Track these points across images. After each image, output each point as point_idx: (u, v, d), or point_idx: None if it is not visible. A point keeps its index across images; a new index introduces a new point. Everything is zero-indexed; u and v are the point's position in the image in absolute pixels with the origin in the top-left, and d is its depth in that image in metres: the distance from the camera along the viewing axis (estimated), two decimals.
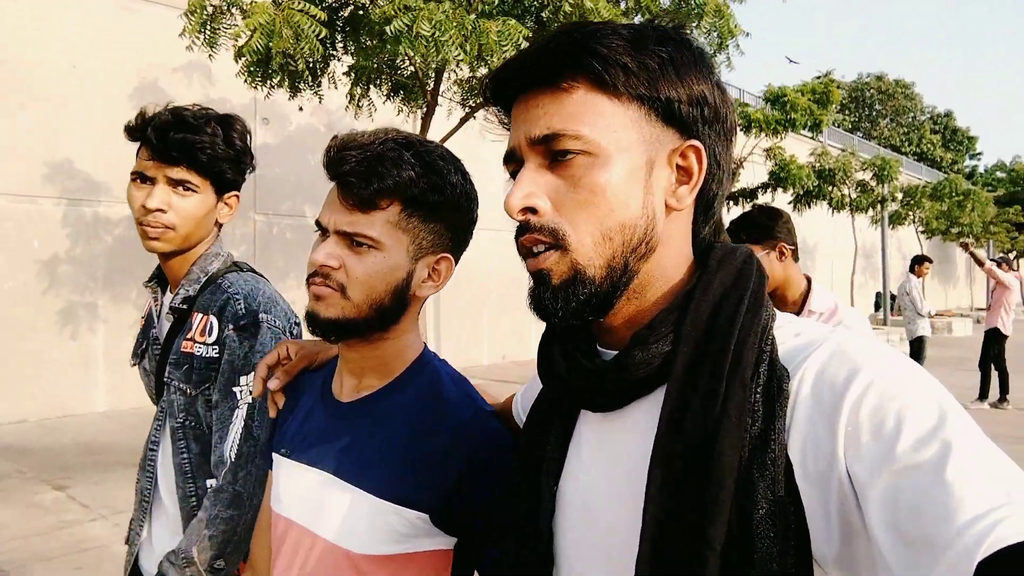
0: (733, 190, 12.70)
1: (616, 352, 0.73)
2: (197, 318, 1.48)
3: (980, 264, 8.61)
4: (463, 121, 7.32)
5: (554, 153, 0.70)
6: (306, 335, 1.16)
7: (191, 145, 1.43)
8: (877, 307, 22.77)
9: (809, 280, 2.56)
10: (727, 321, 0.67)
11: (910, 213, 21.14)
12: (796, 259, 2.57)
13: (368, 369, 1.08)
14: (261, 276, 1.59)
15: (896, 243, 22.75)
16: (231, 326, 1.44)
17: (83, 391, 8.43)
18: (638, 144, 0.71)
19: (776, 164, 12.36)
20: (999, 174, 45.44)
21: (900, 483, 0.53)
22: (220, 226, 1.58)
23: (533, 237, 0.70)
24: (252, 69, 6.06)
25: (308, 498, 1.05)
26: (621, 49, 0.69)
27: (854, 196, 16.83)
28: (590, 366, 0.74)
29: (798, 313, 2.45)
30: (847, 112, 43.80)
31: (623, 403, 0.72)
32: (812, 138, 13.09)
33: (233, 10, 5.91)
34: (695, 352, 0.67)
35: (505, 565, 0.80)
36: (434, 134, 6.93)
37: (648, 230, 0.71)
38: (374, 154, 0.98)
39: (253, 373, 1.41)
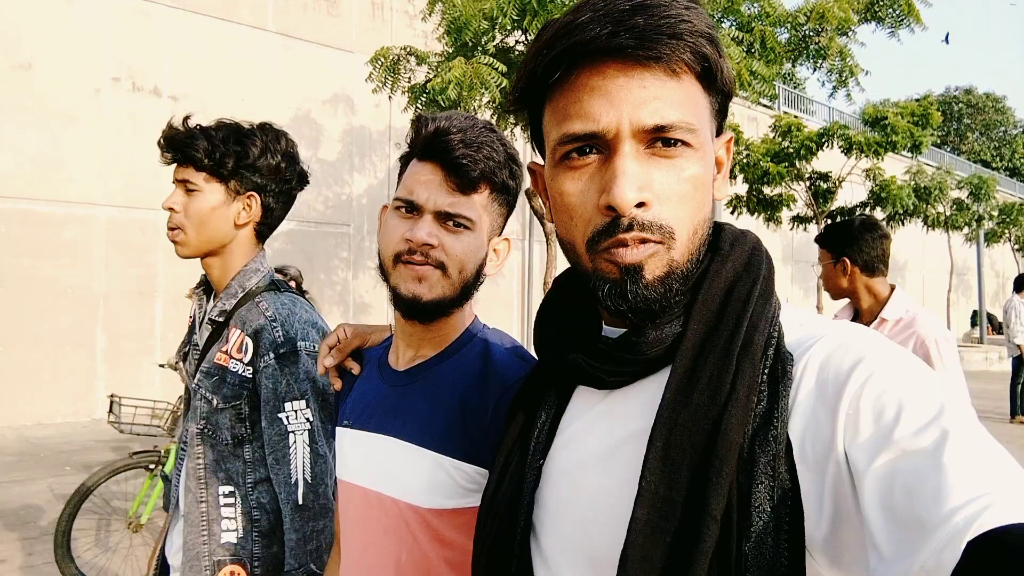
0: (832, 208, 13.10)
1: (622, 330, 0.74)
2: (234, 333, 1.52)
3: None
4: None
5: (656, 139, 0.66)
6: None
7: (184, 145, 1.51)
8: (973, 324, 22.48)
9: (893, 289, 2.78)
10: (740, 304, 0.68)
11: (1006, 231, 20.85)
12: (872, 272, 2.79)
13: (426, 341, 1.12)
14: (299, 296, 1.62)
15: (989, 261, 22.37)
16: (271, 355, 1.47)
17: None
18: (710, 137, 0.71)
19: (876, 184, 12.67)
20: None
21: (896, 465, 0.54)
22: (262, 239, 1.63)
23: (640, 236, 0.66)
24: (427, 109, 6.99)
25: (373, 462, 1.08)
26: (707, 36, 0.66)
27: (949, 214, 16.85)
28: (600, 344, 0.74)
29: (869, 322, 2.73)
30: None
31: (629, 380, 0.72)
32: (909, 156, 13.33)
33: (410, 58, 6.85)
34: (706, 331, 0.67)
35: (487, 533, 0.79)
36: None
37: (708, 221, 0.71)
38: (478, 140, 1.03)
39: (305, 399, 1.47)
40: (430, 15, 6.52)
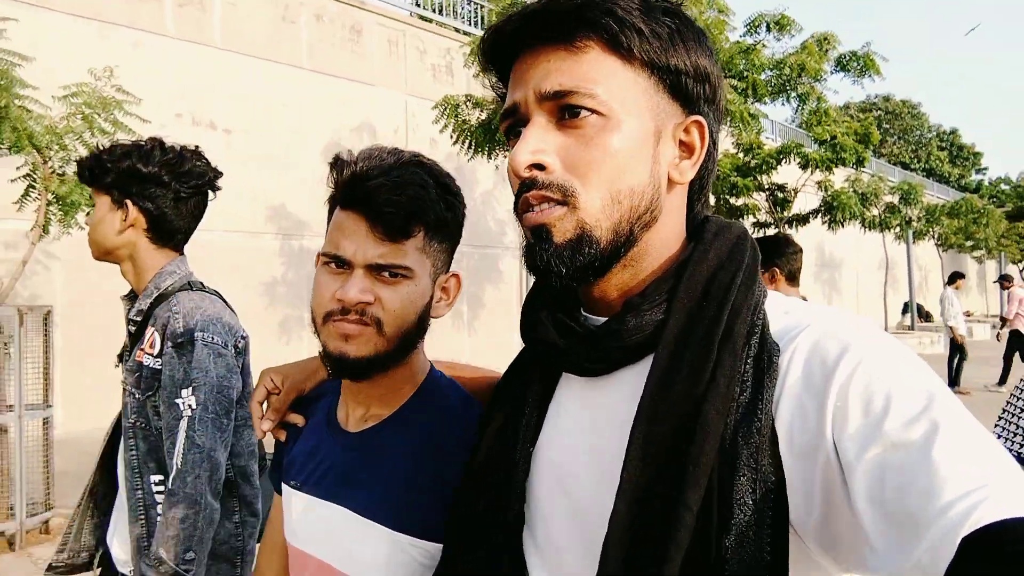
0: (788, 215, 14.88)
1: (605, 318, 0.74)
2: (149, 331, 1.62)
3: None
4: None
5: (564, 110, 0.69)
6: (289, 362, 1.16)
7: (83, 168, 1.69)
8: (903, 313, 24.86)
9: (804, 300, 3.76)
10: (721, 292, 0.67)
11: (930, 229, 23.29)
12: (793, 281, 3.15)
13: (375, 398, 1.04)
14: (214, 294, 1.71)
15: (914, 257, 24.81)
16: (170, 344, 1.57)
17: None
18: (647, 112, 0.70)
19: (828, 195, 14.52)
20: (1004, 187, 47.57)
21: (886, 460, 0.54)
22: (164, 244, 1.72)
23: (540, 194, 0.69)
24: (480, 144, 8.32)
25: (325, 533, 1.02)
26: (636, 13, 0.68)
27: (883, 216, 18.96)
28: (580, 331, 0.74)
29: None
30: None
31: (611, 369, 0.72)
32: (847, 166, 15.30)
33: (468, 103, 8.18)
34: (687, 320, 0.67)
35: (478, 522, 0.78)
36: None
37: (654, 199, 0.71)
38: (402, 180, 0.94)
39: (192, 386, 1.53)
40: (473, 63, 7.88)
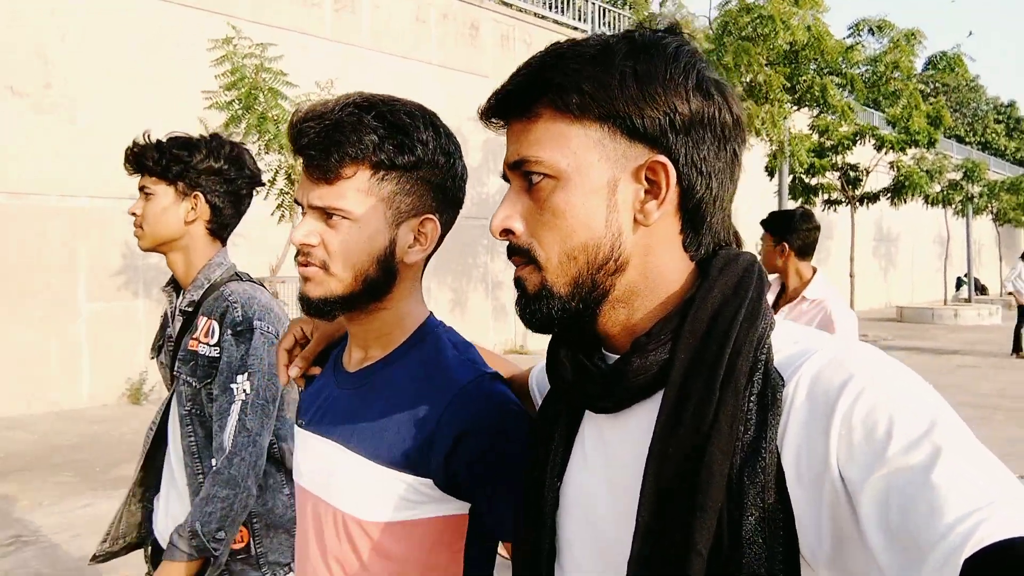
0: (859, 193, 15.94)
1: (618, 356, 0.75)
2: (202, 321, 1.70)
3: None
4: None
5: (527, 177, 0.74)
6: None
7: (140, 156, 1.72)
8: (957, 288, 25.64)
9: (815, 271, 3.24)
10: (723, 330, 0.68)
11: (988, 205, 23.99)
12: (803, 256, 3.23)
13: (371, 340, 1.07)
14: (260, 285, 1.81)
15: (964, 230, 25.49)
16: (229, 332, 1.64)
17: None
18: (600, 164, 0.71)
19: (901, 174, 15.55)
20: None
21: (890, 485, 0.54)
22: (218, 239, 1.79)
23: (515, 257, 0.76)
24: None
25: (321, 468, 1.06)
26: (578, 73, 0.70)
27: (946, 193, 19.82)
28: (593, 369, 0.75)
29: (793, 298, 3.18)
30: None
31: (623, 406, 0.73)
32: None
33: None
34: (691, 360, 0.67)
35: (523, 551, 0.82)
36: None
37: (614, 247, 0.72)
38: (332, 122, 0.94)
39: (248, 372, 1.62)
40: None
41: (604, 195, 0.72)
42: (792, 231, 3.22)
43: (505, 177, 0.79)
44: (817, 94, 9.31)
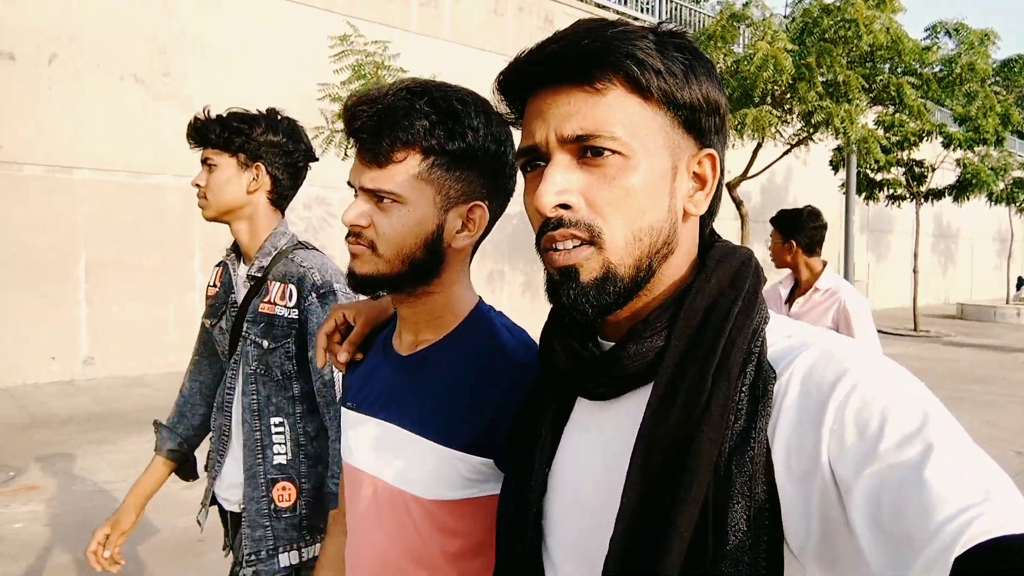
0: (923, 189, 15.91)
1: (612, 343, 0.75)
2: (275, 286, 1.75)
3: None
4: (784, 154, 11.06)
5: (585, 150, 0.70)
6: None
7: (202, 129, 1.78)
8: (1018, 287, 25.24)
9: (824, 264, 3.40)
10: (719, 321, 0.69)
11: None
12: (811, 252, 3.40)
13: (422, 324, 1.08)
14: (323, 253, 1.86)
15: None
16: (313, 295, 1.71)
17: None
18: (664, 149, 0.72)
19: (968, 172, 15.49)
20: None
21: (882, 481, 0.54)
22: (277, 208, 1.86)
23: (568, 232, 0.70)
24: None
25: (376, 449, 1.07)
26: (653, 52, 0.70)
27: (1011, 190, 19.60)
28: (587, 356, 0.76)
29: (806, 291, 3.35)
30: None
31: (616, 393, 0.74)
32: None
33: None
34: (686, 348, 0.68)
35: (508, 536, 0.82)
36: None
37: (670, 233, 0.73)
38: (384, 107, 0.96)
39: None
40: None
41: (668, 180, 0.73)
42: (799, 229, 3.39)
43: (531, 151, 0.74)
44: (894, 93, 9.50)
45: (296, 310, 1.73)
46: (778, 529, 0.60)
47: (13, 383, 8.19)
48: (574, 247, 0.70)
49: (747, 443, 0.62)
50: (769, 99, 9.32)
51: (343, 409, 1.17)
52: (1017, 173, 19.45)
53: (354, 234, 1.00)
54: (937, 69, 10.25)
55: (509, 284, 12.89)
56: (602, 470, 0.74)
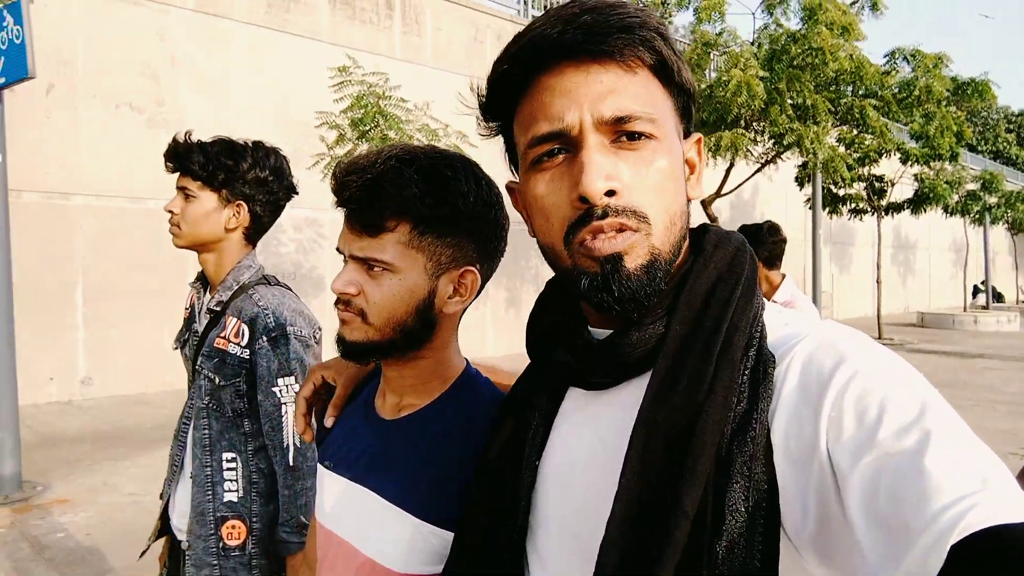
0: (884, 203, 16.68)
1: (608, 332, 0.74)
2: (231, 321, 1.73)
3: None
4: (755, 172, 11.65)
5: (621, 134, 0.68)
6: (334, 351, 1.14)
7: (183, 157, 1.72)
8: (974, 295, 26.32)
9: (783, 277, 3.54)
10: (721, 305, 0.68)
11: (1004, 214, 24.70)
12: (771, 265, 3.52)
13: (407, 387, 1.06)
14: (288, 289, 1.83)
15: (980, 239, 26.17)
16: (264, 338, 1.68)
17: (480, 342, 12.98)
18: (676, 134, 0.72)
19: (925, 186, 16.29)
20: None
21: (880, 469, 0.54)
22: (250, 243, 1.81)
23: (616, 222, 0.67)
24: None
25: (351, 513, 1.05)
26: (666, 39, 0.68)
27: (965, 203, 20.55)
28: (584, 344, 0.75)
29: None
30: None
31: (614, 382, 0.73)
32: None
33: None
34: (688, 332, 0.67)
35: (484, 531, 0.80)
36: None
37: (687, 216, 0.73)
38: (374, 176, 0.95)
39: (293, 375, 1.68)
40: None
41: (682, 164, 0.73)
42: (760, 244, 3.49)
43: (556, 137, 0.69)
44: (857, 115, 10.13)
45: (248, 350, 1.70)
46: (775, 512, 0.60)
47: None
48: (620, 233, 0.67)
49: (749, 424, 0.62)
50: (742, 122, 9.87)
51: (319, 467, 1.14)
52: (970, 186, 20.46)
53: (343, 301, 0.99)
54: (896, 91, 10.91)
55: (493, 300, 13.23)
56: (594, 456, 0.73)
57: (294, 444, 1.66)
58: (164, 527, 1.86)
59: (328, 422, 1.16)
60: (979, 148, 45.27)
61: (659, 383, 0.66)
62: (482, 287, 1.05)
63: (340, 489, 1.08)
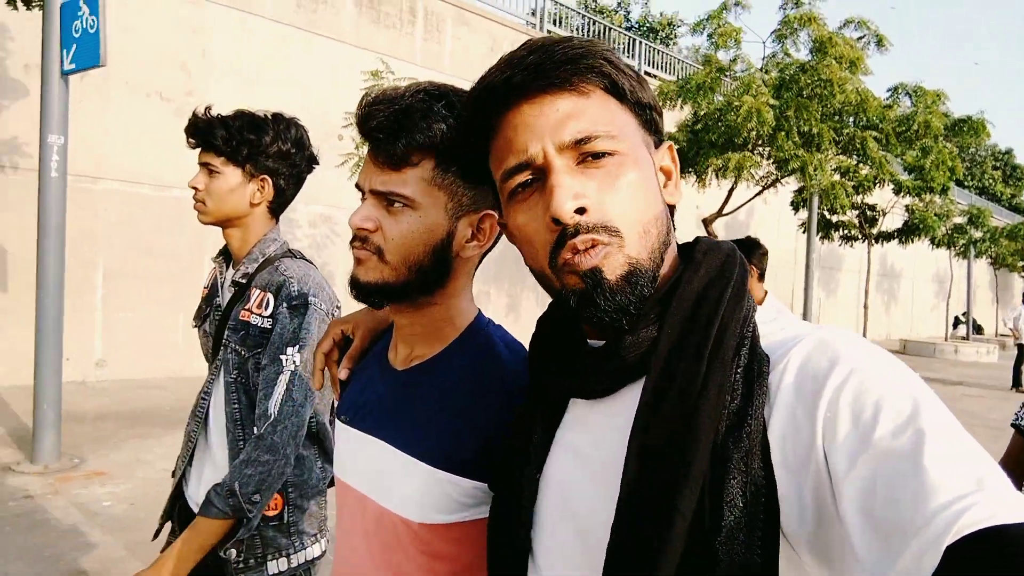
0: (875, 231, 17.21)
1: (603, 342, 0.76)
2: (255, 293, 1.70)
3: None
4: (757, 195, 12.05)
5: (585, 155, 0.71)
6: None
7: (205, 132, 1.69)
8: (955, 326, 26.91)
9: (766, 293, 3.61)
10: (711, 308, 0.69)
11: (989, 248, 25.38)
12: (759, 279, 3.61)
13: (419, 336, 1.05)
14: (311, 263, 1.79)
15: (965, 273, 26.83)
16: (285, 304, 1.65)
17: None
18: (642, 146, 0.75)
19: (916, 217, 16.85)
20: None
21: (876, 470, 0.54)
22: (275, 215, 1.80)
23: (589, 238, 0.69)
24: None
25: (365, 465, 1.04)
26: (618, 61, 0.74)
27: (951, 235, 21.14)
28: (582, 353, 0.77)
29: None
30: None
31: (611, 389, 0.74)
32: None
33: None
34: (679, 334, 0.69)
35: (494, 548, 0.81)
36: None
37: (667, 224, 0.75)
38: (402, 107, 0.93)
39: (299, 345, 1.62)
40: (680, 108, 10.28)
41: (653, 174, 0.75)
42: (756, 257, 3.57)
43: (523, 167, 0.73)
44: (859, 145, 10.56)
45: (270, 319, 1.68)
46: (774, 508, 0.60)
47: (30, 382, 8.44)
48: (595, 248, 0.70)
49: (744, 420, 0.62)
50: (750, 145, 10.28)
51: (337, 422, 1.13)
52: (957, 219, 21.06)
53: (360, 239, 0.97)
54: (895, 124, 11.39)
55: (494, 305, 13.54)
56: (597, 469, 0.73)
57: (270, 414, 1.60)
58: (170, 509, 1.83)
59: (343, 374, 1.15)
60: (966, 183, 46.17)
61: (653, 386, 0.67)
62: (500, 235, 1.02)
63: (356, 442, 1.07)
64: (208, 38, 9.77)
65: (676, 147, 0.85)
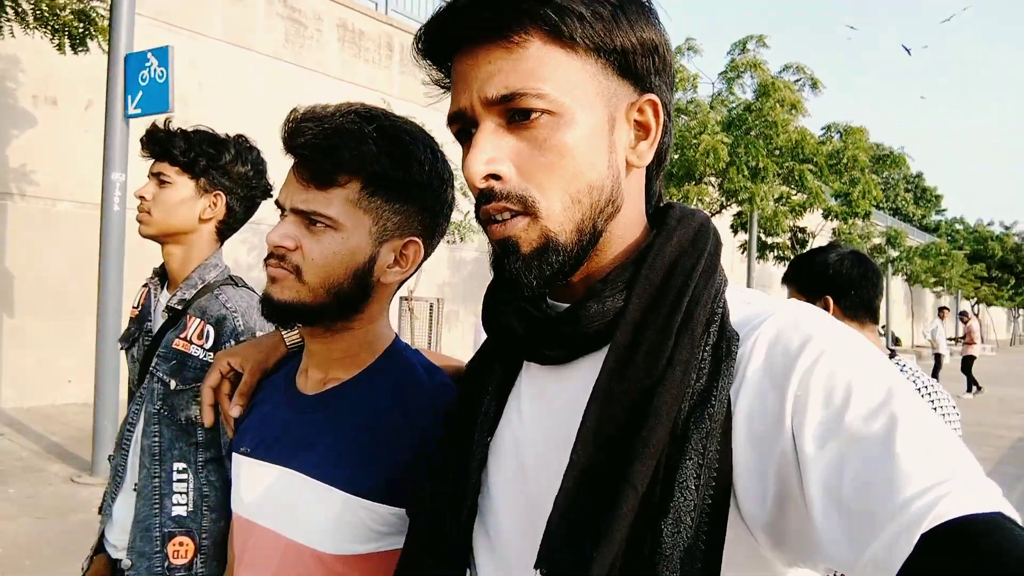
0: (805, 252, 18.73)
1: (567, 305, 0.72)
2: (194, 322, 1.61)
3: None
4: None
5: (513, 113, 0.66)
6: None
7: (164, 142, 1.63)
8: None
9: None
10: (682, 279, 0.66)
11: (904, 267, 27.56)
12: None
13: (334, 361, 1.02)
14: (254, 291, 1.69)
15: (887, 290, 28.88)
16: (232, 342, 1.56)
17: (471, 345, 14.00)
18: (598, 100, 0.67)
19: (842, 238, 18.48)
20: (958, 227, 52.75)
21: (846, 454, 0.53)
22: (220, 240, 1.73)
23: (500, 205, 0.66)
24: None
25: (272, 498, 0.99)
26: (566, 3, 0.64)
27: (871, 255, 23.02)
28: (541, 317, 0.72)
29: None
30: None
31: (572, 357, 0.71)
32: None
33: None
34: (647, 305, 0.66)
35: (429, 511, 0.77)
36: None
37: (614, 189, 0.69)
38: (332, 127, 0.91)
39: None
40: None
41: (605, 134, 0.68)
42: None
43: (459, 117, 0.69)
44: (798, 178, 11.98)
45: (211, 353, 1.58)
46: (726, 496, 0.59)
47: (35, 403, 8.75)
48: (510, 218, 0.67)
49: (707, 401, 0.60)
50: (704, 178, 11.55)
51: (235, 455, 1.08)
52: (876, 240, 23.01)
53: (276, 256, 0.95)
54: (827, 158, 12.92)
55: (463, 323, 14.30)
56: (549, 434, 0.71)
57: None
58: (100, 544, 1.72)
59: (234, 412, 1.10)
60: (881, 205, 49.37)
61: (617, 356, 0.65)
62: (422, 262, 1.03)
63: (260, 474, 1.02)
64: (205, 71, 10.31)
65: None
